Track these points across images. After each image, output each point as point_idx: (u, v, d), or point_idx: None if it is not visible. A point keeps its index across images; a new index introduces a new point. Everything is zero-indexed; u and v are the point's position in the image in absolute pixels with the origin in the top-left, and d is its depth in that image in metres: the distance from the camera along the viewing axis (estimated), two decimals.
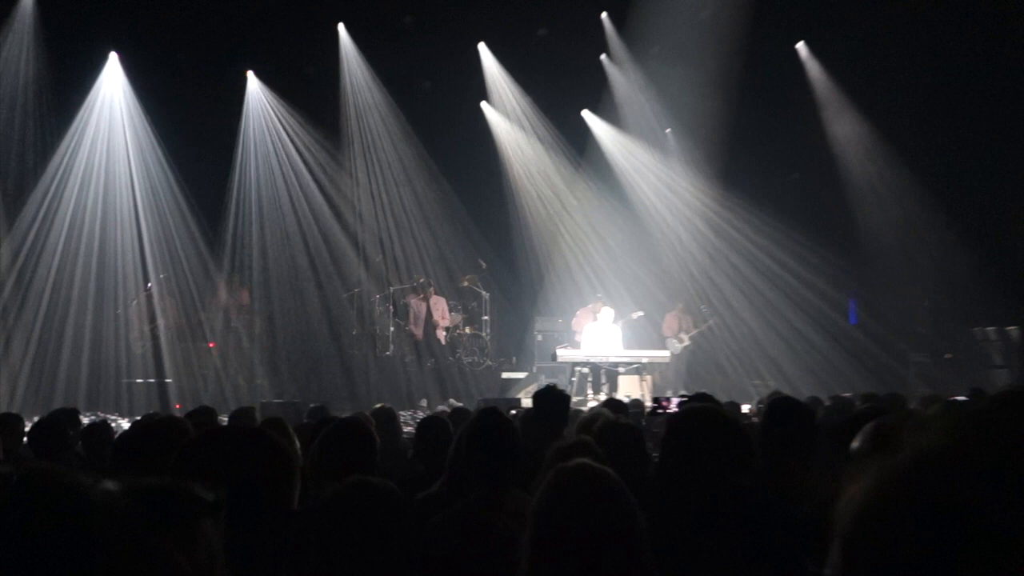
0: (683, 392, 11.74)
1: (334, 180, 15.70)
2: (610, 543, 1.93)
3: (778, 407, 3.55)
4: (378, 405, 6.76)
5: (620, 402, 6.36)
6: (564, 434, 4.77)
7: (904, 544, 0.76)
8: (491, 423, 3.40)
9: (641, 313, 14.62)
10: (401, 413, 11.09)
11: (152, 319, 13.48)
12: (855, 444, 2.24)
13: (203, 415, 5.86)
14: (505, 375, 15.20)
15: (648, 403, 8.75)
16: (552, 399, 4.93)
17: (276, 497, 1.59)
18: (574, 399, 11.55)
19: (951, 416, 0.84)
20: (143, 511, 0.73)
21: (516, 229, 16.96)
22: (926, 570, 0.74)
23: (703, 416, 2.72)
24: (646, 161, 17.05)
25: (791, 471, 3.03)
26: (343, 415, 5.18)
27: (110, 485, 0.76)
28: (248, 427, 1.77)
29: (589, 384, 13.12)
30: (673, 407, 5.44)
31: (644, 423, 5.47)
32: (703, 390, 5.74)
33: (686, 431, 2.64)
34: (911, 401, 7.20)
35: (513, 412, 5.98)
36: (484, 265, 16.42)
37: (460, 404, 11.40)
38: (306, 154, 15.60)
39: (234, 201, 14.89)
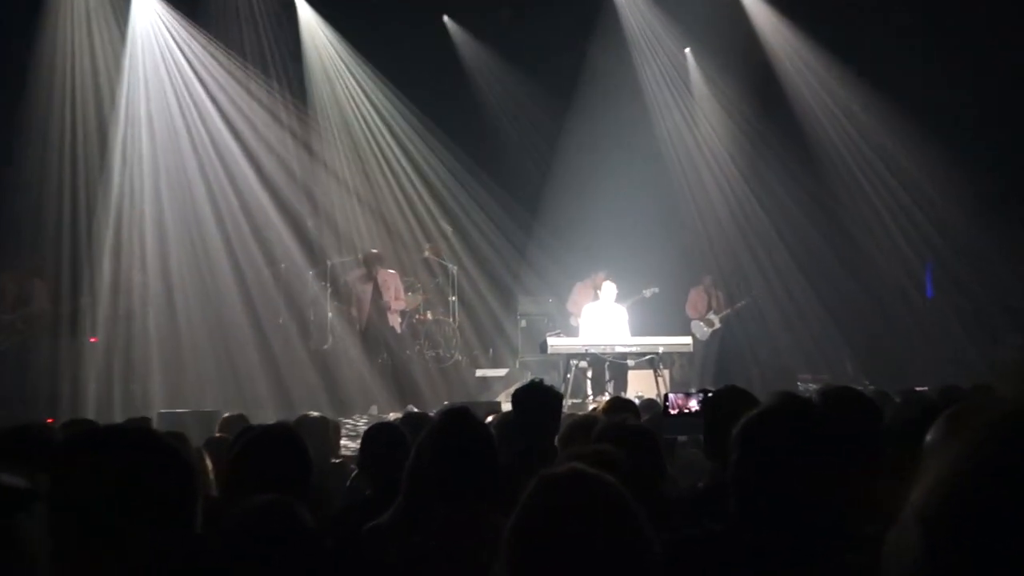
0: (707, 388, 11.78)
1: (253, 123, 15.59)
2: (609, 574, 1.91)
3: (834, 400, 3.58)
4: (311, 413, 6.75)
5: (628, 401, 6.38)
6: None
7: (1007, 516, 0.76)
8: (460, 428, 3.41)
9: (656, 289, 14.64)
10: (344, 422, 11.10)
11: (14, 307, 13.37)
12: (929, 438, 2.26)
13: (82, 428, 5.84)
14: (480, 372, 15.23)
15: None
16: (538, 397, 4.95)
17: (172, 514, 1.58)
18: (569, 402, 11.60)
19: None
20: None
21: (491, 182, 16.93)
22: None
23: (808, 414, 2.81)
24: (659, 89, 17.03)
25: (852, 482, 3.05)
26: None
27: None
28: (136, 426, 1.77)
29: (589, 382, 13.14)
30: (693, 405, 5.47)
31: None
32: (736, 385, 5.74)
33: (792, 430, 2.72)
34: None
35: (490, 419, 6.00)
36: (450, 229, 16.38)
37: (420, 412, 11.40)
38: (215, 89, 15.47)
39: (119, 146, 14.72)
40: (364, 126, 16.58)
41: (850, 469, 3.17)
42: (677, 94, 17.06)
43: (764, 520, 2.64)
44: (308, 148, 15.95)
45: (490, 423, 5.46)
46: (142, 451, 1.65)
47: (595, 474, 2.03)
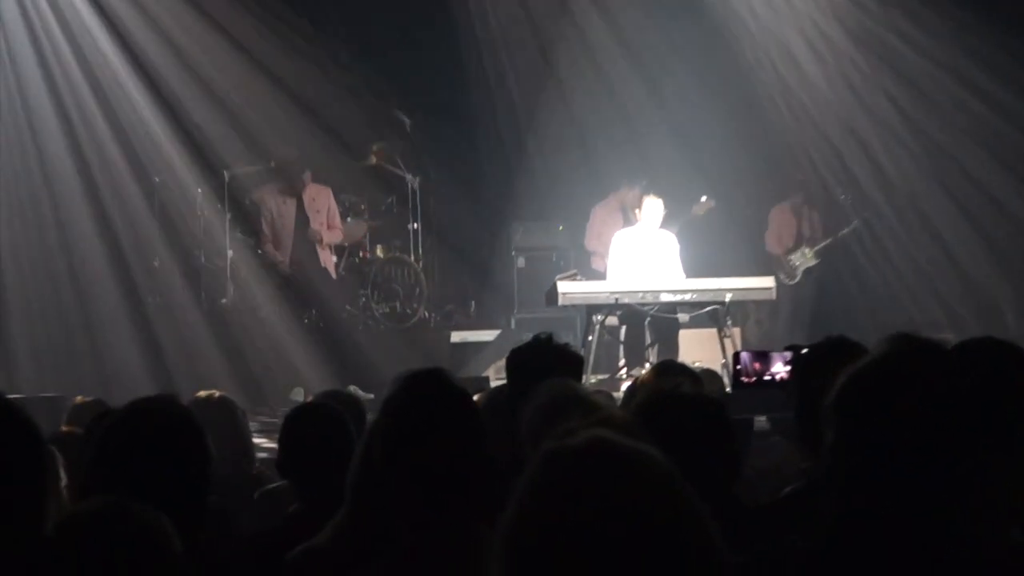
0: (798, 344, 11.86)
1: None
2: None
3: (979, 353, 3.61)
4: (206, 393, 6.77)
5: (683, 366, 6.38)
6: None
7: None
8: (430, 400, 3.42)
9: (712, 203, 14.56)
10: (256, 417, 11.17)
11: None
12: None
13: None
14: (457, 336, 15.23)
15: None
16: (546, 360, 4.97)
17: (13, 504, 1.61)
18: (593, 378, 11.65)
19: None
20: None
21: (470, 51, 16.90)
22: None
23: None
24: None
25: (993, 477, 3.08)
26: None
27: None
28: None
29: (622, 347, 13.14)
30: (778, 370, 5.47)
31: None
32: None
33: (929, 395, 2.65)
34: None
35: (475, 398, 6.05)
36: (408, 122, 16.30)
37: (371, 396, 11.42)
38: None
39: None
40: None
41: (999, 454, 3.21)
42: None
43: (871, 528, 2.60)
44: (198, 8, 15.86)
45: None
46: None
47: (631, 446, 1.92)
